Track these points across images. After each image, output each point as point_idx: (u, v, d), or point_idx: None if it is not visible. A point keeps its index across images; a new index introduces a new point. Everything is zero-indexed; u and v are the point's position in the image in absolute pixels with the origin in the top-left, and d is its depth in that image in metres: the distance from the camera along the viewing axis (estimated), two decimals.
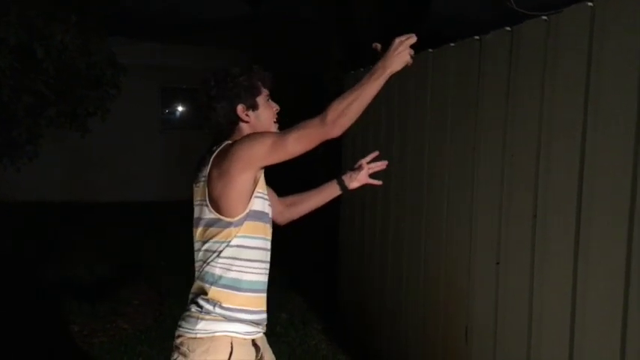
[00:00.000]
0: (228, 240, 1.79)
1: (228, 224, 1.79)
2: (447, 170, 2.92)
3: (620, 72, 1.90)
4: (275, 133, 1.82)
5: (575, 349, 2.06)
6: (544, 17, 2.25)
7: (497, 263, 2.48)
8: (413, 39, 1.76)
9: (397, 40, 1.75)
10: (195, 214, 1.88)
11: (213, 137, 1.93)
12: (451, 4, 8.38)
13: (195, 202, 1.88)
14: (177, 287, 5.37)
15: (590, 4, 2.01)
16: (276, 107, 1.96)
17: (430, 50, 3.12)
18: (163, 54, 10.25)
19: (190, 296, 1.89)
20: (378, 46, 1.83)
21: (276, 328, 4.33)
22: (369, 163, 2.26)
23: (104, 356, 3.81)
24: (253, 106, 1.90)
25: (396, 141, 3.53)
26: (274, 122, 1.95)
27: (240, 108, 1.89)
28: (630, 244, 1.85)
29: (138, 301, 4.97)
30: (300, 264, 6.17)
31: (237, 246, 1.80)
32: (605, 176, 1.95)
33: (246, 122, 1.90)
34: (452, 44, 2.90)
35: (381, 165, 2.27)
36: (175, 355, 1.84)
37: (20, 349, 3.93)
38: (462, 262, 2.76)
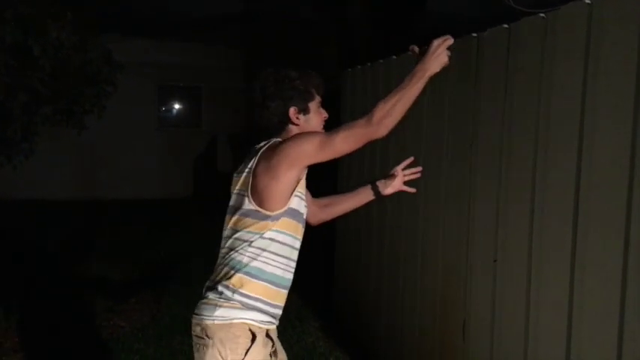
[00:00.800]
0: (262, 232, 1.84)
1: (266, 217, 1.83)
2: (444, 168, 2.92)
3: (617, 69, 1.91)
4: (323, 132, 1.89)
5: (572, 345, 2.07)
6: (541, 15, 2.25)
7: (495, 261, 2.48)
8: (450, 41, 1.80)
9: (435, 43, 1.80)
10: (232, 203, 1.92)
11: (261, 133, 1.98)
12: (448, 2, 8.38)
13: (234, 191, 1.92)
14: (174, 285, 5.38)
15: (587, 1, 2.01)
16: (325, 115, 2.02)
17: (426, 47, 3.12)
18: (160, 51, 10.22)
19: (208, 283, 1.92)
20: (416, 49, 1.88)
21: None
22: (403, 169, 2.31)
23: (100, 354, 3.80)
24: (305, 110, 1.96)
25: (393, 139, 3.52)
26: (322, 129, 2.00)
27: (292, 110, 1.94)
28: (627, 240, 1.86)
29: (135, 299, 4.96)
30: (297, 261, 6.16)
31: (270, 239, 1.85)
32: (602, 173, 1.95)
33: (296, 125, 1.95)
34: None
35: (415, 172, 2.31)
36: (196, 344, 1.87)
37: (16, 347, 3.92)
38: (459, 260, 2.76)
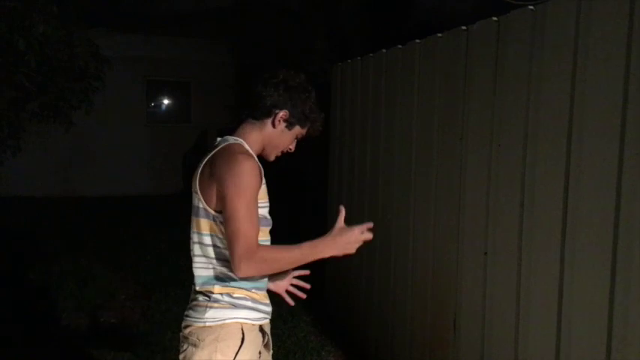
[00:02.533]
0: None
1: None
2: (434, 161, 2.91)
3: (606, 60, 1.91)
4: (249, 214, 1.71)
5: (562, 338, 2.08)
6: (531, 7, 2.25)
7: (485, 253, 2.49)
8: (370, 236, 1.78)
9: (357, 231, 1.76)
10: (194, 202, 1.86)
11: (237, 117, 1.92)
12: None
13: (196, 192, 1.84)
14: (164, 281, 5.35)
15: None
16: (292, 149, 1.95)
17: (417, 41, 3.11)
18: (148, 46, 10.15)
19: (197, 287, 1.87)
20: (343, 210, 1.79)
21: None
22: (295, 277, 2.16)
23: (91, 350, 3.78)
24: (290, 125, 1.87)
25: (384, 132, 3.52)
26: (278, 154, 1.94)
27: (284, 113, 1.85)
28: (616, 233, 1.86)
29: (124, 295, 4.94)
30: None
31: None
32: (592, 165, 1.96)
33: (273, 128, 1.87)
34: (439, 35, 2.89)
35: (303, 285, 2.16)
36: (185, 346, 1.82)
37: (2, 343, 3.88)
38: (450, 253, 2.76)
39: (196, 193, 1.81)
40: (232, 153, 1.76)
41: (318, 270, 4.15)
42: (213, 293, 1.80)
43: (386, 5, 7.88)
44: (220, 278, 1.80)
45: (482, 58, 2.53)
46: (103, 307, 4.63)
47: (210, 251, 1.81)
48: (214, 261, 1.81)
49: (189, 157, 11.08)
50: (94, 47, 5.33)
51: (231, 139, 1.83)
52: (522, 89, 2.26)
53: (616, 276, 1.87)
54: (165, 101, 11.41)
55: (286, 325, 4.28)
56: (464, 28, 2.67)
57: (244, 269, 1.67)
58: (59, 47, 4.70)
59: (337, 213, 1.80)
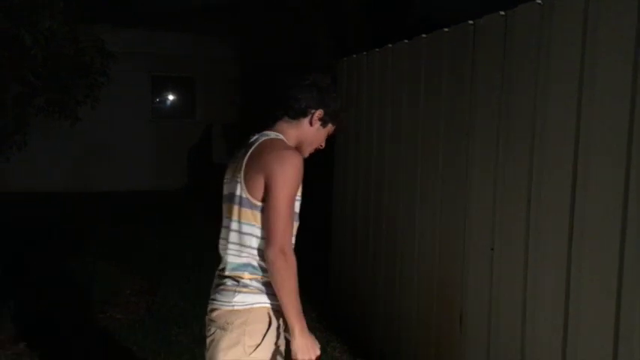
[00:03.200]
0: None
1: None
2: (441, 156, 2.91)
3: (614, 54, 1.90)
4: (290, 207, 1.83)
5: (569, 334, 2.07)
6: (538, 1, 2.23)
7: (492, 249, 2.48)
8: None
9: (313, 352, 1.84)
10: (232, 189, 1.92)
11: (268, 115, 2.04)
12: None
13: (235, 180, 1.91)
14: (170, 276, 5.37)
15: None
16: (322, 145, 2.09)
17: (423, 36, 3.10)
18: (153, 42, 10.15)
19: (226, 273, 1.91)
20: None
21: None
22: None
23: (96, 346, 3.79)
24: (324, 124, 2.01)
25: (389, 127, 3.51)
26: (312, 151, 2.06)
27: (320, 112, 1.98)
28: (624, 229, 1.85)
29: (130, 291, 4.95)
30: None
31: None
32: (599, 159, 1.95)
33: (309, 125, 1.99)
34: (445, 29, 2.88)
35: None
36: (212, 330, 1.88)
37: (11, 340, 3.91)
38: (456, 248, 2.76)
39: (240, 183, 1.86)
40: (281, 148, 1.87)
41: (323, 265, 4.19)
42: (242, 279, 1.87)
43: (388, 1, 7.87)
44: (252, 266, 1.87)
45: (489, 53, 2.51)
46: (109, 302, 4.65)
47: (247, 240, 1.87)
48: (249, 249, 1.87)
49: (194, 152, 11.10)
50: (100, 42, 5.33)
51: (272, 135, 1.93)
52: (530, 84, 2.25)
53: (624, 270, 1.86)
54: (170, 97, 11.43)
55: None
56: (471, 22, 2.66)
57: (276, 258, 1.76)
58: (65, 42, 4.70)
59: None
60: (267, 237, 1.79)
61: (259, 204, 1.84)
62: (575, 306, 2.05)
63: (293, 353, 1.81)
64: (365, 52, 3.92)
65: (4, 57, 4.54)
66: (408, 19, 7.99)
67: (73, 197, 9.46)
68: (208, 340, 1.89)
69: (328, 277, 4.72)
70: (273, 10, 9.00)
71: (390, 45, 3.52)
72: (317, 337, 3.35)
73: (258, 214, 1.85)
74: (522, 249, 2.29)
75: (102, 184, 10.17)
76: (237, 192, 1.88)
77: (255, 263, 1.87)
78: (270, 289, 1.84)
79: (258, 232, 1.86)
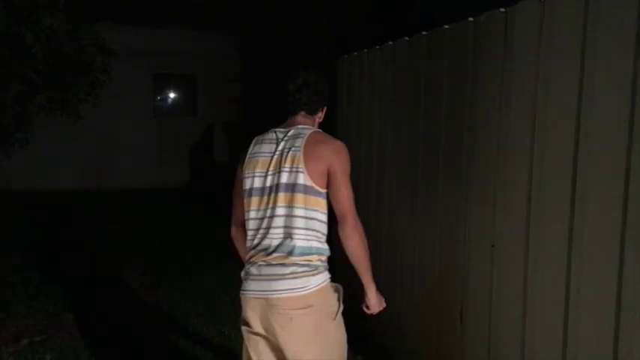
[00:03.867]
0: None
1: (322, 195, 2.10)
2: (441, 153, 2.91)
3: (614, 51, 1.89)
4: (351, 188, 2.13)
5: (569, 331, 2.07)
6: None
7: (493, 246, 2.48)
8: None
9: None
10: (285, 179, 2.07)
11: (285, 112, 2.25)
12: None
13: (287, 169, 2.08)
14: (171, 273, 5.38)
15: None
16: None
17: (424, 33, 3.10)
18: (155, 39, 10.15)
19: (285, 261, 2.06)
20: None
21: None
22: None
23: (99, 344, 3.80)
24: (324, 116, 2.34)
25: (390, 124, 3.51)
26: None
27: (325, 108, 2.31)
28: (624, 225, 1.85)
29: (133, 289, 4.96)
30: None
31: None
32: (600, 156, 1.95)
33: (319, 119, 2.30)
34: (446, 26, 2.88)
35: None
36: (290, 318, 2.02)
37: (12, 337, 3.92)
38: (457, 245, 2.76)
39: (302, 173, 2.04)
40: (331, 140, 2.15)
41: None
42: (312, 262, 2.07)
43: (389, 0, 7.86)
44: (317, 248, 2.09)
45: (489, 50, 2.51)
46: (112, 299, 4.66)
47: (313, 224, 2.07)
48: (315, 232, 2.08)
49: (195, 150, 11.11)
50: (101, 40, 5.34)
51: (311, 129, 2.16)
52: (530, 80, 2.25)
53: (624, 268, 1.86)
54: (172, 94, 11.44)
55: None
56: (471, 19, 2.65)
57: (354, 232, 2.07)
58: (66, 41, 4.72)
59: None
60: (341, 216, 2.06)
61: (324, 191, 2.07)
62: (575, 304, 2.05)
63: (371, 306, 2.30)
64: (366, 50, 3.91)
65: (6, 55, 4.55)
66: (408, 19, 7.98)
67: (74, 195, 9.48)
68: (284, 332, 2.03)
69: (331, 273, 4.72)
70: (275, 8, 9.00)
71: (390, 42, 3.52)
72: None
73: (322, 200, 2.08)
74: (523, 246, 2.29)
75: (103, 182, 10.19)
76: (299, 181, 2.04)
77: (319, 245, 2.10)
78: (328, 265, 2.15)
79: (321, 216, 2.09)
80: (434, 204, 2.98)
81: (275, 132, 2.17)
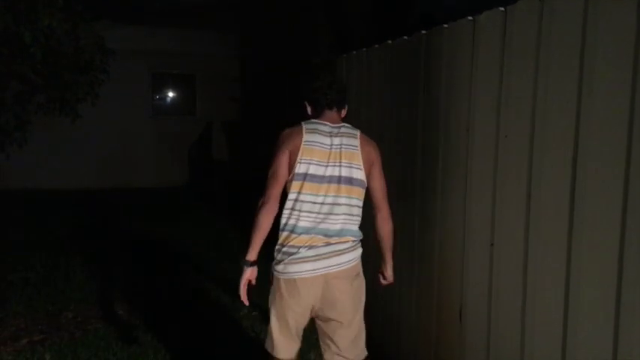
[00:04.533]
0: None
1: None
2: (441, 151, 2.91)
3: (614, 50, 1.89)
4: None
5: (568, 330, 2.08)
6: None
7: (492, 244, 2.49)
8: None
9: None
10: (348, 173, 2.46)
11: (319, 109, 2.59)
12: None
13: (347, 164, 2.46)
14: (171, 272, 5.37)
15: None
16: None
17: (423, 32, 3.10)
18: (153, 39, 10.13)
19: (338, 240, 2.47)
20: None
21: None
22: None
23: (98, 342, 3.80)
24: None
25: (389, 124, 3.51)
26: None
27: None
28: (624, 222, 1.86)
29: (131, 288, 4.95)
30: None
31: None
32: (599, 155, 1.95)
33: (344, 113, 2.66)
34: (445, 25, 2.88)
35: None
36: (357, 279, 2.56)
37: (12, 336, 3.92)
38: (456, 243, 2.76)
39: (359, 169, 2.47)
40: (372, 140, 2.59)
41: None
42: (355, 240, 2.51)
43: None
44: (355, 230, 2.52)
45: (488, 49, 2.51)
46: (110, 298, 4.66)
47: (355, 210, 2.49)
48: (356, 217, 2.51)
49: (194, 149, 11.10)
50: (100, 40, 5.34)
51: (357, 129, 2.56)
52: (529, 80, 2.25)
53: (624, 266, 1.86)
54: (171, 94, 11.41)
55: None
56: (470, 18, 2.65)
57: (390, 216, 2.62)
58: (65, 40, 4.71)
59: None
60: (380, 203, 2.57)
61: (367, 184, 2.51)
62: (575, 301, 2.05)
63: (388, 277, 2.77)
64: (365, 49, 3.91)
65: (4, 55, 4.54)
66: (408, 18, 7.98)
67: (72, 194, 9.47)
68: (344, 296, 2.47)
69: None
70: (275, 8, 8.99)
71: (389, 41, 3.52)
72: (316, 334, 3.56)
73: (363, 191, 2.51)
74: (522, 245, 2.30)
75: (102, 181, 10.17)
76: (356, 176, 2.46)
77: (356, 228, 2.52)
78: None
79: (361, 204, 2.51)
80: (433, 203, 2.98)
81: (326, 124, 2.49)
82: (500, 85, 2.42)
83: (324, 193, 2.40)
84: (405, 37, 3.31)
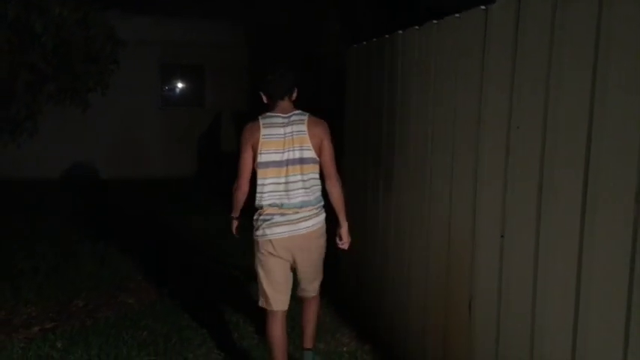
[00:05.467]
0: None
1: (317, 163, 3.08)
2: (451, 142, 2.89)
3: (628, 38, 1.87)
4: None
5: (579, 323, 2.07)
6: None
7: (502, 236, 2.48)
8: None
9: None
10: (298, 154, 2.99)
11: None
12: None
13: (298, 148, 3.00)
14: (180, 262, 5.41)
15: None
16: None
17: (434, 22, 3.07)
18: (162, 29, 10.13)
19: (303, 212, 3.03)
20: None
21: None
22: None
23: (109, 330, 3.84)
24: None
25: (399, 115, 3.50)
26: None
27: (297, 90, 3.14)
28: (637, 216, 1.84)
29: (141, 276, 5.00)
30: None
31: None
32: (612, 146, 1.93)
33: (295, 98, 3.14)
34: (457, 15, 2.85)
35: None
36: (311, 242, 3.09)
37: (25, 324, 3.96)
38: (465, 235, 2.75)
39: (309, 150, 3.00)
40: (321, 120, 3.08)
41: (332, 253, 4.20)
42: (316, 208, 3.07)
43: None
44: (319, 197, 3.09)
45: (501, 39, 2.49)
46: (120, 287, 4.70)
47: (310, 183, 3.02)
48: (314, 188, 3.05)
49: (203, 140, 11.12)
50: (110, 30, 5.34)
51: (305, 114, 3.06)
52: (542, 70, 2.22)
53: (635, 259, 1.85)
54: (179, 84, 11.43)
55: (301, 307, 4.31)
56: (483, 7, 2.63)
57: (338, 182, 3.12)
58: (75, 29, 4.72)
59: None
60: (329, 174, 3.08)
61: (318, 159, 3.02)
62: (586, 294, 2.04)
63: (344, 237, 3.24)
64: (375, 40, 3.89)
65: (15, 44, 4.56)
66: (419, 7, 7.91)
67: (82, 184, 9.53)
68: (306, 254, 3.08)
69: (338, 264, 4.74)
70: None
71: (400, 32, 3.50)
72: (325, 324, 3.61)
73: (317, 165, 3.04)
74: (533, 236, 2.28)
75: (110, 172, 10.22)
76: (306, 155, 2.99)
77: (314, 198, 3.04)
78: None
79: (316, 176, 3.06)
80: (442, 193, 2.97)
81: (278, 116, 3.01)
82: (513, 75, 2.40)
83: (285, 175, 2.97)
84: (416, 27, 3.29)
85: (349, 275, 4.44)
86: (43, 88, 5.49)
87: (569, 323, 2.10)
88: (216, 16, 10.16)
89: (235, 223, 3.28)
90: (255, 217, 3.05)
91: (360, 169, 4.16)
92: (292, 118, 2.99)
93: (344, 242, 3.23)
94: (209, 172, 10.60)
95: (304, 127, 2.98)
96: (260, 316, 4.10)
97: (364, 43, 4.11)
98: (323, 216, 3.11)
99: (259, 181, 2.99)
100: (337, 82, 5.41)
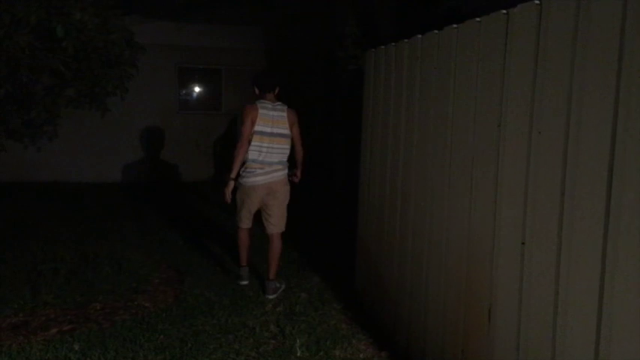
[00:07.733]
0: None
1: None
2: (471, 148, 2.86)
3: None
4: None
5: (602, 331, 2.02)
6: None
7: (523, 243, 2.44)
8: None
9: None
10: (281, 131, 4.55)
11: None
12: None
13: (281, 127, 4.58)
14: (197, 266, 5.41)
15: None
16: None
17: (455, 26, 3.05)
18: (180, 33, 10.20)
19: (278, 166, 4.61)
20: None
21: (296, 308, 4.34)
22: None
23: (126, 333, 3.85)
24: None
25: (418, 120, 3.47)
26: None
27: (278, 87, 4.77)
28: None
29: (158, 280, 5.01)
30: (319, 243, 6.17)
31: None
32: (637, 151, 1.89)
33: (277, 92, 4.76)
34: (477, 19, 2.82)
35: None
36: (274, 187, 4.59)
37: (42, 326, 3.98)
38: (486, 242, 2.72)
39: (287, 128, 4.58)
40: (293, 110, 4.66)
41: (349, 257, 4.20)
42: (285, 166, 4.61)
43: None
44: (285, 160, 4.62)
45: (522, 43, 2.46)
46: (137, 290, 4.72)
47: (285, 150, 4.59)
48: (286, 153, 4.60)
49: (220, 144, 11.17)
50: (129, 34, 5.39)
51: (285, 105, 4.64)
52: (565, 75, 2.19)
53: None
54: (197, 89, 11.49)
55: (317, 313, 4.29)
56: (504, 12, 2.60)
57: (302, 149, 4.73)
58: (95, 34, 4.77)
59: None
60: (297, 144, 4.69)
61: (291, 134, 4.60)
62: (609, 302, 2.00)
63: (298, 174, 4.82)
64: (393, 44, 3.87)
65: (37, 48, 4.62)
66: (437, 11, 7.87)
67: (99, 187, 9.62)
68: (272, 199, 4.62)
69: (354, 270, 4.71)
70: (301, 0, 8.96)
71: (419, 35, 3.47)
72: (342, 330, 3.56)
73: (289, 140, 4.60)
74: (555, 243, 2.24)
75: (128, 175, 10.31)
76: (285, 132, 4.56)
77: (285, 159, 4.60)
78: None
79: (289, 146, 4.60)
80: (462, 199, 2.94)
81: (268, 103, 4.59)
82: (534, 80, 2.36)
83: (269, 142, 4.49)
84: (436, 31, 3.26)
85: (366, 282, 4.41)
86: (63, 92, 5.56)
87: (592, 332, 2.06)
88: (233, 21, 10.21)
89: (231, 185, 4.52)
90: (242, 169, 4.51)
91: (377, 173, 4.13)
92: (277, 107, 4.58)
93: (297, 177, 4.79)
94: (225, 176, 10.63)
95: (284, 114, 4.56)
96: (278, 324, 4.10)
97: (383, 47, 4.10)
98: (287, 171, 4.62)
99: (253, 144, 4.46)
100: (355, 85, 5.48)
